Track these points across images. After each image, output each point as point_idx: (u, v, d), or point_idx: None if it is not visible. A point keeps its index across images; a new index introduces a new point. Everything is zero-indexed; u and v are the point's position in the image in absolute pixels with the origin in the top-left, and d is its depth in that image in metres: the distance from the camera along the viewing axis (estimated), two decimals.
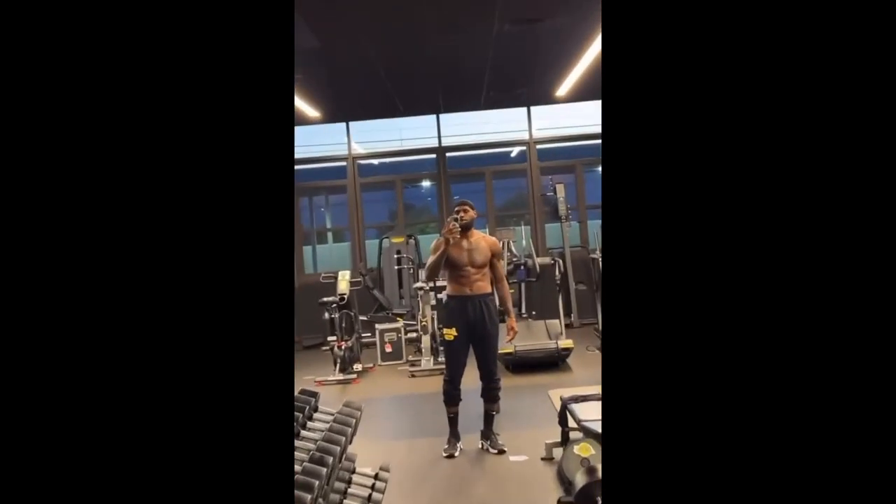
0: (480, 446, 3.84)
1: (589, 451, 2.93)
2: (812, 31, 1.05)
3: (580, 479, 2.65)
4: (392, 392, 5.53)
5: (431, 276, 3.81)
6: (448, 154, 8.71)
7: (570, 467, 2.96)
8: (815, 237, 1.05)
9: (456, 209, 3.70)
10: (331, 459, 1.73)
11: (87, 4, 1.07)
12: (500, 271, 3.79)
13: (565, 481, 2.98)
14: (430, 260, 3.70)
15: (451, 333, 3.69)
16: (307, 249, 9.15)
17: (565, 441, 3.39)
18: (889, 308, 1.02)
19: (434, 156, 8.71)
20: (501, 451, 3.73)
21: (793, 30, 1.06)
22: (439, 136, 8.61)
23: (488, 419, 3.86)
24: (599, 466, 2.63)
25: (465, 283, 3.66)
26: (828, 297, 1.04)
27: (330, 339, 6.42)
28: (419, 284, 6.47)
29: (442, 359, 5.49)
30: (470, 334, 3.69)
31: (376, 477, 2.15)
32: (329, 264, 9.25)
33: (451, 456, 3.74)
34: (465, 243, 3.69)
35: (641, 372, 1.08)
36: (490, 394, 3.80)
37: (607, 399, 1.12)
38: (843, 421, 1.04)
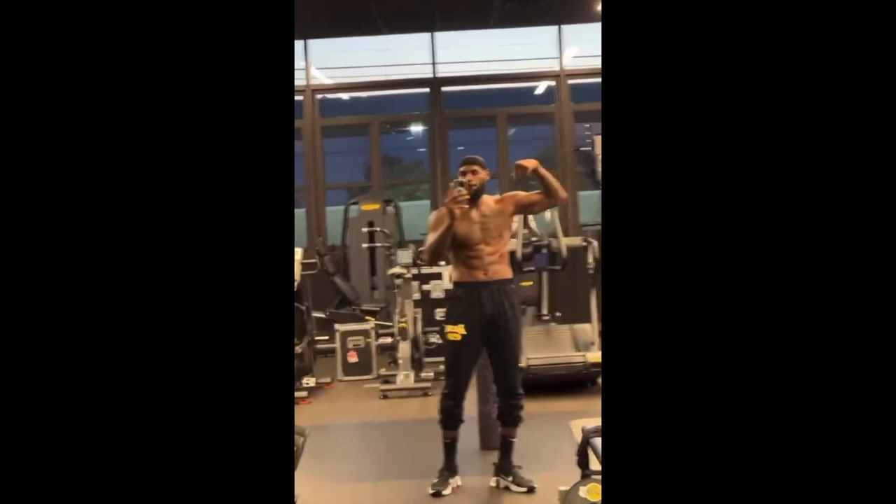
0: (495, 484, 3.66)
1: (599, 494, 2.83)
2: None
3: None
4: (356, 418, 5.21)
5: (434, 259, 3.67)
6: (445, 89, 8.22)
7: None
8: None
9: (462, 170, 3.51)
10: None
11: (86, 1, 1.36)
12: (533, 195, 3.65)
13: None
14: (429, 239, 3.59)
15: (457, 332, 3.51)
16: None
17: None
18: (887, 306, 1.23)
19: (426, 90, 8.22)
20: (531, 489, 3.56)
21: None
22: (434, 64, 8.15)
23: (506, 448, 3.67)
24: None
25: (479, 267, 3.51)
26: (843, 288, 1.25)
27: None
28: (397, 270, 5.96)
29: (426, 373, 5.60)
30: (484, 334, 3.51)
31: None
32: None
33: (438, 494, 3.55)
34: (474, 214, 3.53)
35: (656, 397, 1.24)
36: (512, 414, 3.62)
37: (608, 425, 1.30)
38: (845, 417, 1.23)
